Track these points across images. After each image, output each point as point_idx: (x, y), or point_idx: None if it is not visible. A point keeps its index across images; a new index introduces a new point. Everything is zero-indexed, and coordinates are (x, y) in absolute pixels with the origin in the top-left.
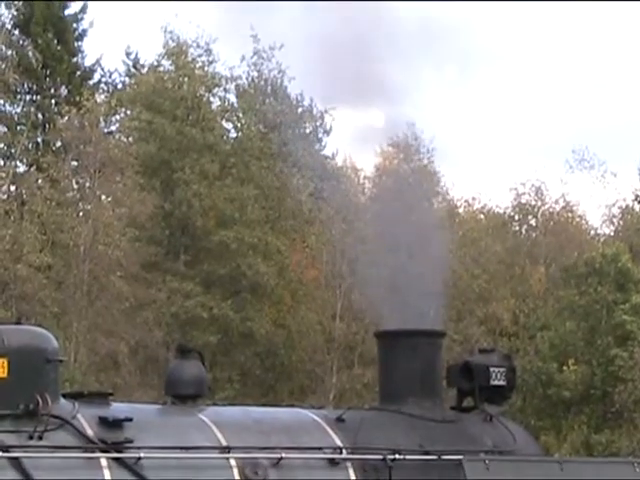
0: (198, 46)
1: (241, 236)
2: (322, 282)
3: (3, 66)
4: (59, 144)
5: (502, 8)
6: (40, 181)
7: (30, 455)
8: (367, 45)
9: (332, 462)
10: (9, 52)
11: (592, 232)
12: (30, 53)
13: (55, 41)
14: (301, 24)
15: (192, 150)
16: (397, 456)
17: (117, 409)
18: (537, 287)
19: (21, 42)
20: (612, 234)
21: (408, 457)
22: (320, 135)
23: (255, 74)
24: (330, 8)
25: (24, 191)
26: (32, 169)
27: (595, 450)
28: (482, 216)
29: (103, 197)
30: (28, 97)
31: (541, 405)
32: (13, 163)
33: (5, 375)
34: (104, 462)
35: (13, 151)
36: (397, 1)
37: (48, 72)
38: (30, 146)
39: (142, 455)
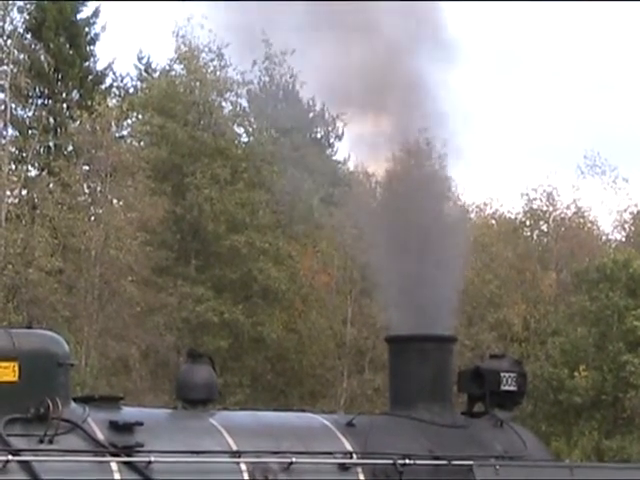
0: (210, 51)
1: (252, 241)
2: (333, 287)
3: (15, 70)
4: (70, 148)
5: (514, 12)
6: (51, 185)
7: (41, 459)
8: (378, 49)
9: (342, 467)
10: (21, 56)
11: (603, 238)
12: (42, 57)
13: (67, 45)
14: (310, 27)
15: (203, 155)
16: (407, 461)
17: (128, 413)
18: (548, 293)
19: (33, 46)
20: (623, 240)
21: (418, 462)
22: (332, 140)
23: (267, 79)
24: (342, 10)
25: (35, 195)
26: (44, 173)
27: (606, 456)
28: (493, 221)
29: (114, 201)
30: (40, 101)
31: (552, 411)
32: (24, 167)
33: (16, 379)
34: (114, 466)
35: (24, 155)
36: (407, 1)
37: (60, 76)
38: (42, 150)
39: (152, 459)
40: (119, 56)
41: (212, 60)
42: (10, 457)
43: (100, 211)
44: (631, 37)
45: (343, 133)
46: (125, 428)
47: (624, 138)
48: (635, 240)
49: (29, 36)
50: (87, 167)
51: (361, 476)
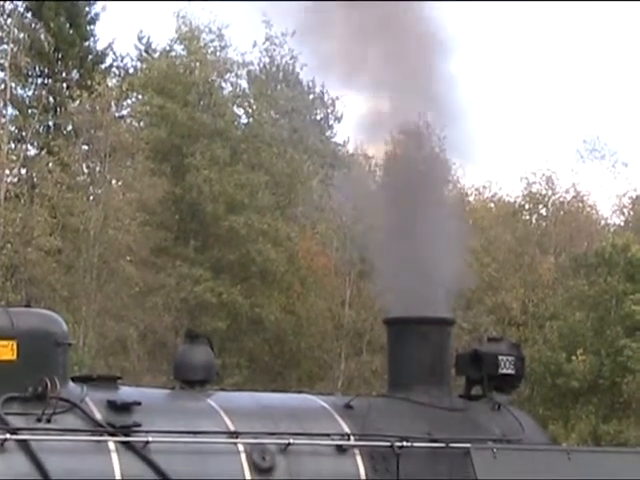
0: (210, 31)
1: (251, 222)
2: (332, 269)
3: (15, 49)
4: (70, 128)
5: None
6: (51, 165)
7: (38, 438)
8: (376, 32)
9: (340, 449)
10: (21, 35)
11: (602, 222)
12: (42, 36)
13: (67, 25)
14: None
15: (203, 136)
16: (405, 443)
17: (125, 393)
18: (546, 277)
19: (33, 25)
20: (622, 224)
21: (416, 445)
22: (331, 122)
23: (267, 60)
24: None
25: (35, 174)
26: (43, 153)
27: (603, 440)
28: (492, 205)
29: (113, 181)
30: (40, 80)
31: (549, 394)
32: (24, 146)
33: (14, 358)
34: (112, 445)
35: (24, 134)
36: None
37: (60, 56)
38: (41, 130)
39: (150, 439)
40: (119, 36)
41: (212, 41)
42: (8, 435)
43: (99, 191)
44: (633, 21)
45: (343, 115)
46: (123, 408)
47: (624, 122)
48: (634, 224)
49: (29, 15)
50: (86, 147)
51: (358, 458)
